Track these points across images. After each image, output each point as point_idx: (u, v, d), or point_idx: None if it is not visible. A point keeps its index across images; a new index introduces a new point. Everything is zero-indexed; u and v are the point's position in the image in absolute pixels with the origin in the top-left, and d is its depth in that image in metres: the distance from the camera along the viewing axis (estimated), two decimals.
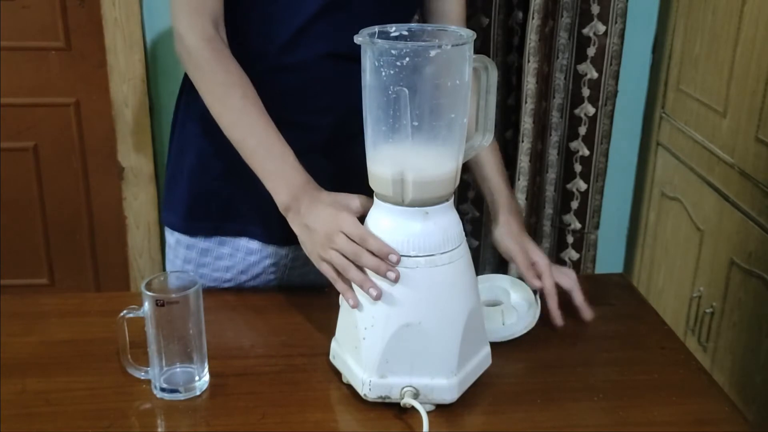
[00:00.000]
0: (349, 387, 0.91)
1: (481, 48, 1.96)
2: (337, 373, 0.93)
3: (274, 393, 0.91)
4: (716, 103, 1.75)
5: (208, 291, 1.15)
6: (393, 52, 0.81)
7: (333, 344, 0.94)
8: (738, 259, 1.64)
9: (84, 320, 1.07)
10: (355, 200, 0.92)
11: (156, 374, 0.90)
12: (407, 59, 0.81)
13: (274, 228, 1.12)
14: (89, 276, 2.25)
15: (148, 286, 0.88)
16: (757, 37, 1.57)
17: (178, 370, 0.91)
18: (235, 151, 1.06)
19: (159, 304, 0.86)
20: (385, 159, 0.86)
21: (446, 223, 0.87)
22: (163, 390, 0.90)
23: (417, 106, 0.83)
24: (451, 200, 0.89)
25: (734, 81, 1.67)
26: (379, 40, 0.84)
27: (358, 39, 0.83)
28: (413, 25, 0.89)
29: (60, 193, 2.17)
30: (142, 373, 0.91)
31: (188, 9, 1.01)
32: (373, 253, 0.86)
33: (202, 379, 0.91)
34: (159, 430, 0.87)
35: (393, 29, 0.88)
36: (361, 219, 0.91)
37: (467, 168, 1.09)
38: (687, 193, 1.91)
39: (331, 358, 0.94)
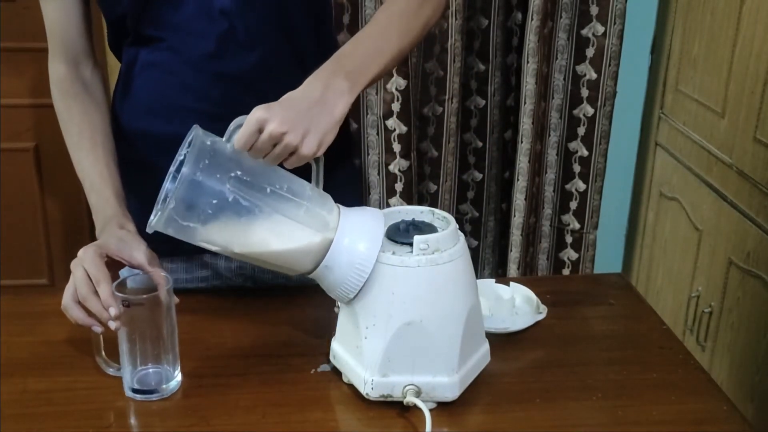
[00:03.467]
0: (350, 386, 0.91)
1: (480, 49, 1.97)
2: (337, 373, 0.93)
3: (274, 393, 0.91)
4: (715, 104, 1.76)
5: (208, 292, 1.15)
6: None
7: (333, 344, 0.94)
8: (736, 259, 1.65)
9: None
10: (136, 251, 0.95)
11: (128, 375, 0.90)
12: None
13: None
14: None
15: (119, 287, 0.88)
16: (755, 38, 1.58)
17: (150, 371, 0.91)
18: None
19: (125, 305, 0.87)
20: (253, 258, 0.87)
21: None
22: (134, 391, 0.90)
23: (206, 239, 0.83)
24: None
25: (732, 81, 1.68)
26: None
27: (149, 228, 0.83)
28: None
29: (60, 193, 2.17)
30: (112, 370, 0.92)
31: (50, 54, 1.09)
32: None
33: (174, 380, 0.91)
34: (159, 429, 0.87)
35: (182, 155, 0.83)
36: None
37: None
38: (685, 193, 1.91)
39: (331, 358, 0.94)
